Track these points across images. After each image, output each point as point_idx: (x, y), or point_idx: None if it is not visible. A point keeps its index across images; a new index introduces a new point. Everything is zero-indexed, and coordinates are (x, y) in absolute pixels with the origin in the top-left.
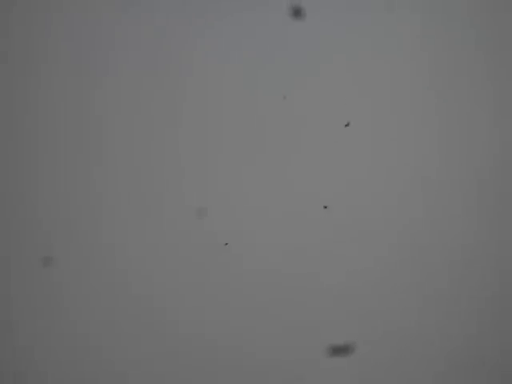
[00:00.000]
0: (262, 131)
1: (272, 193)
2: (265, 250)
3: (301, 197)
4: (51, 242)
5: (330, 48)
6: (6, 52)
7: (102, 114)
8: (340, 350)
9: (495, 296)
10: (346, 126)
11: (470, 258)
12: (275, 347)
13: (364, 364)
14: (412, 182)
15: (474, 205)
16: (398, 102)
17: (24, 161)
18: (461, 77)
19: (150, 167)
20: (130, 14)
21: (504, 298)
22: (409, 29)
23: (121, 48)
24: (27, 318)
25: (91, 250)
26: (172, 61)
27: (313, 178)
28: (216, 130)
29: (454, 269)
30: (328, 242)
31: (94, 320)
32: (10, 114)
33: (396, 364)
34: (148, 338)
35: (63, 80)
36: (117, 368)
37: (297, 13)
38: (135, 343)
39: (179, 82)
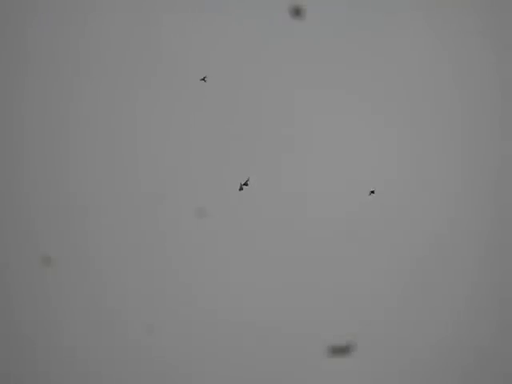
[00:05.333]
0: (263, 131)
1: (272, 192)
2: (264, 249)
3: (301, 196)
4: (50, 242)
5: (330, 48)
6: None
7: (101, 114)
8: (340, 350)
9: (493, 295)
10: (372, 192)
11: (469, 257)
12: (275, 347)
13: (364, 364)
14: (410, 182)
15: (475, 206)
16: (398, 101)
17: (24, 162)
18: (462, 75)
19: (149, 167)
20: (126, 12)
21: (503, 298)
22: (409, 29)
23: (121, 49)
24: (27, 317)
25: (91, 250)
26: (171, 60)
27: (312, 178)
28: (216, 130)
29: (454, 269)
30: (328, 242)
31: (93, 320)
32: (7, 115)
33: (396, 364)
34: (147, 337)
35: (56, 80)
36: (117, 367)
37: (297, 13)
38: (135, 343)
39: (178, 82)
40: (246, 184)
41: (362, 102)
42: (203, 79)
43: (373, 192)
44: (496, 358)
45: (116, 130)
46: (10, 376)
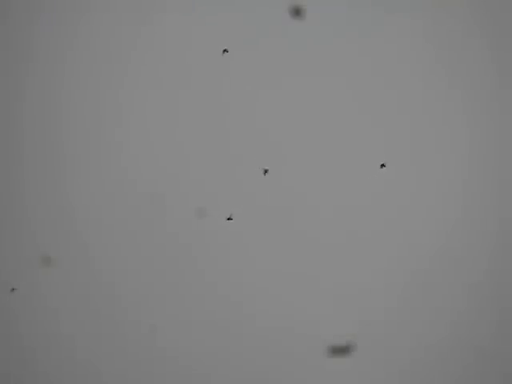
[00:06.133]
0: (263, 131)
1: (273, 193)
2: (264, 249)
3: (302, 197)
4: (50, 242)
5: (329, 48)
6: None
7: (102, 116)
8: (340, 350)
9: (493, 295)
10: (383, 166)
11: (469, 258)
12: (276, 348)
13: (364, 364)
14: (411, 182)
15: (474, 206)
16: (398, 101)
17: (24, 163)
18: (461, 75)
19: (150, 168)
20: (127, 13)
21: (503, 298)
22: (409, 29)
23: (122, 52)
24: (27, 317)
25: (91, 250)
26: (171, 60)
27: (313, 178)
28: (216, 130)
29: (454, 270)
30: (329, 242)
31: (93, 320)
32: (6, 116)
33: (396, 364)
34: (147, 337)
35: (56, 81)
36: (116, 367)
37: (297, 13)
38: (134, 343)
39: (178, 82)
40: (266, 171)
41: (362, 102)
42: (225, 51)
43: (383, 165)
44: (496, 358)
45: (116, 131)
46: (10, 376)
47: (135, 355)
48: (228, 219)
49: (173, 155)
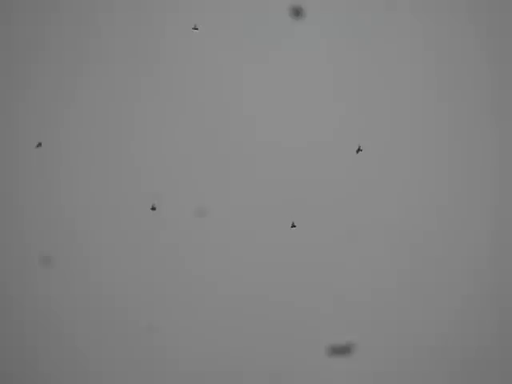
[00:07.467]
0: (263, 131)
1: (273, 193)
2: (264, 249)
3: (302, 197)
4: (50, 242)
5: (329, 48)
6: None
7: (100, 114)
8: (340, 350)
9: (493, 295)
10: (359, 150)
11: (469, 257)
12: (275, 347)
13: (364, 364)
14: (410, 182)
15: (474, 205)
16: (398, 101)
17: (23, 161)
18: (462, 75)
19: (149, 167)
20: (128, 13)
21: (503, 298)
22: (409, 29)
23: (121, 47)
24: (26, 317)
25: (90, 249)
26: (170, 59)
27: (312, 178)
28: (216, 129)
29: (454, 269)
30: (329, 242)
31: (93, 320)
32: (5, 115)
33: (396, 364)
34: (146, 337)
35: (55, 79)
36: (116, 367)
37: (297, 13)
38: (134, 343)
39: (177, 82)
40: (293, 226)
41: (361, 102)
42: (195, 28)
43: (360, 149)
44: (496, 357)
45: (116, 130)
46: (10, 376)
47: (135, 355)
48: (152, 209)
49: (173, 155)
